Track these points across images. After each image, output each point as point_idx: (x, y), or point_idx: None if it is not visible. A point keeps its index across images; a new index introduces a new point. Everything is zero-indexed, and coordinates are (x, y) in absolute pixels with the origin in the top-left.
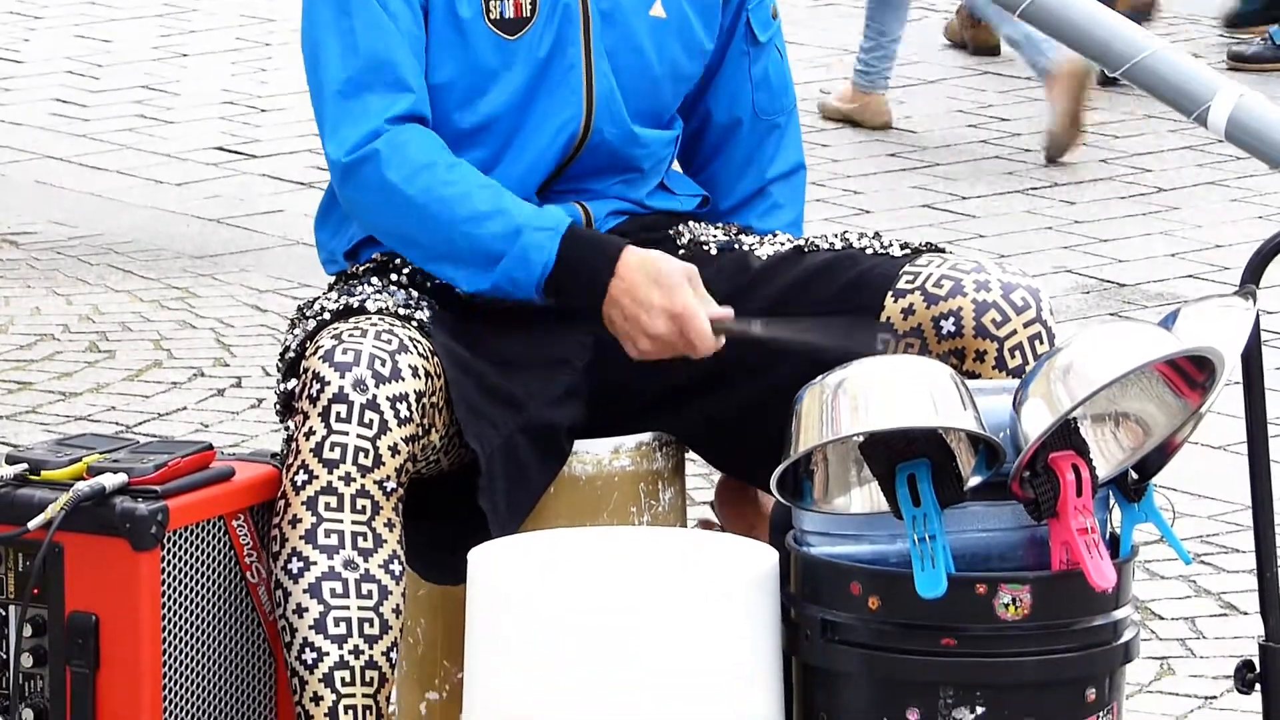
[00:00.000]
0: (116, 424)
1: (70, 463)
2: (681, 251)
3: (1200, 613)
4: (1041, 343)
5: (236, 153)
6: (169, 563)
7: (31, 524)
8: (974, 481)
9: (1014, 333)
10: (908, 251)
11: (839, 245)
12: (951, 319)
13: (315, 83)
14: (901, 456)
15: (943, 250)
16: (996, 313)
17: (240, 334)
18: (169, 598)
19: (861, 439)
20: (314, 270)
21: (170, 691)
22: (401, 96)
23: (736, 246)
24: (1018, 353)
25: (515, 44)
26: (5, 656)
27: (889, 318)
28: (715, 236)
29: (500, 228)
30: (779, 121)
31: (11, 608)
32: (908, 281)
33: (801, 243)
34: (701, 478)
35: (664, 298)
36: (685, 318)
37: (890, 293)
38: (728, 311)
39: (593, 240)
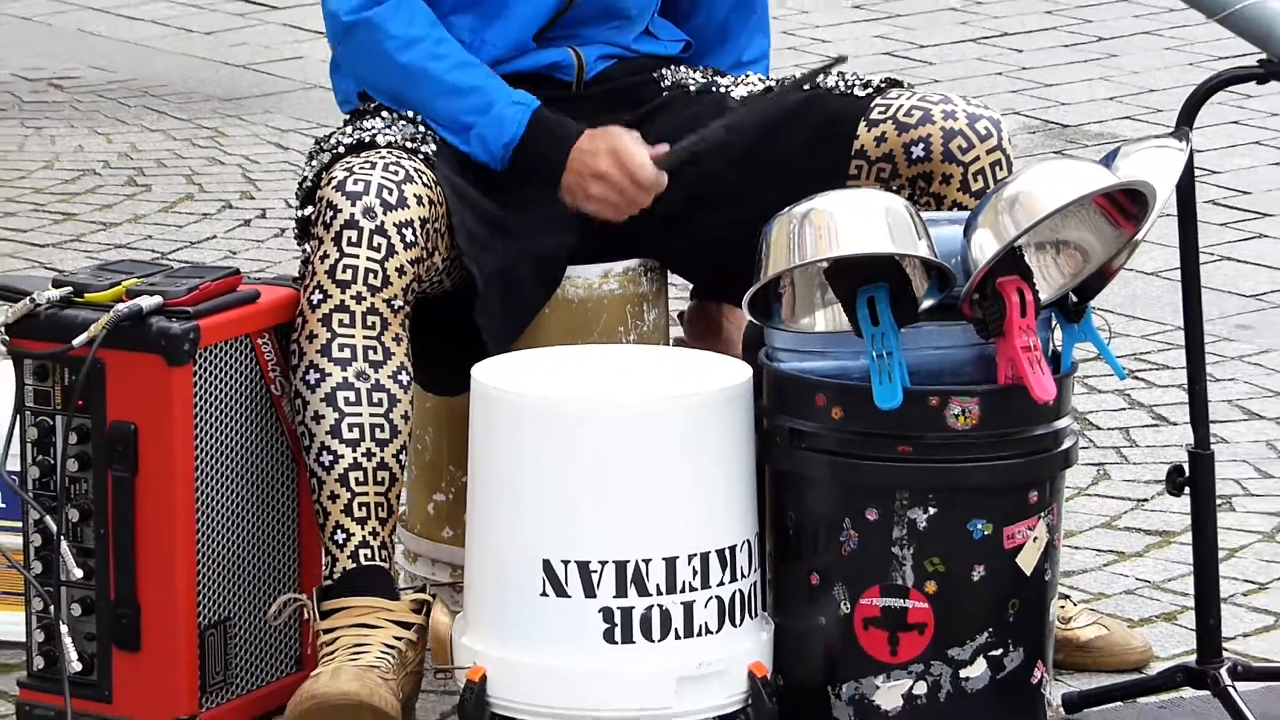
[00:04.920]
0: (152, 251)
1: (111, 286)
2: (665, 92)
3: (1134, 423)
4: (1001, 168)
5: (260, 4)
6: (200, 377)
7: (76, 341)
8: (927, 303)
9: (977, 159)
10: (870, 90)
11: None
12: (921, 145)
13: None
14: (862, 280)
15: (902, 84)
16: (962, 139)
17: (265, 169)
18: (200, 409)
19: (826, 264)
20: (331, 111)
21: (202, 492)
22: None
23: (714, 89)
24: (980, 176)
25: None
26: (53, 462)
27: (863, 145)
28: (695, 79)
29: (474, 103)
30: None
31: (58, 417)
32: (880, 112)
33: (772, 83)
34: (682, 301)
35: (605, 142)
36: (620, 150)
37: (864, 121)
38: (663, 147)
39: (555, 122)
